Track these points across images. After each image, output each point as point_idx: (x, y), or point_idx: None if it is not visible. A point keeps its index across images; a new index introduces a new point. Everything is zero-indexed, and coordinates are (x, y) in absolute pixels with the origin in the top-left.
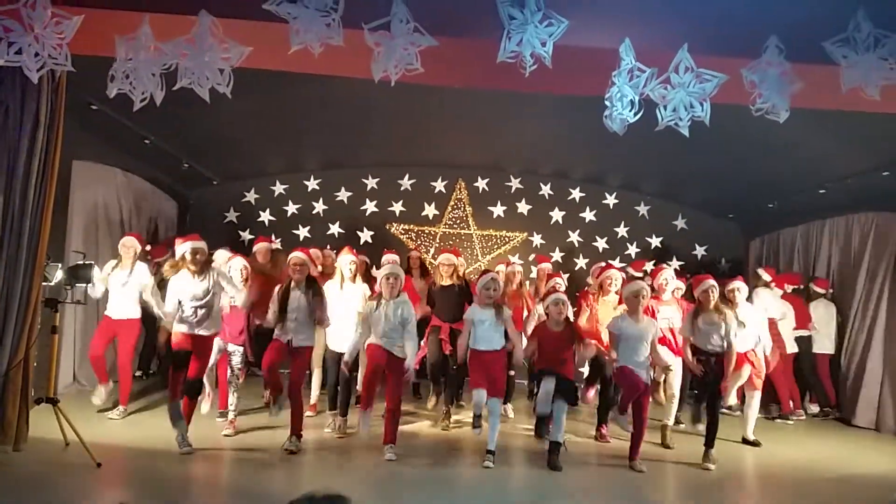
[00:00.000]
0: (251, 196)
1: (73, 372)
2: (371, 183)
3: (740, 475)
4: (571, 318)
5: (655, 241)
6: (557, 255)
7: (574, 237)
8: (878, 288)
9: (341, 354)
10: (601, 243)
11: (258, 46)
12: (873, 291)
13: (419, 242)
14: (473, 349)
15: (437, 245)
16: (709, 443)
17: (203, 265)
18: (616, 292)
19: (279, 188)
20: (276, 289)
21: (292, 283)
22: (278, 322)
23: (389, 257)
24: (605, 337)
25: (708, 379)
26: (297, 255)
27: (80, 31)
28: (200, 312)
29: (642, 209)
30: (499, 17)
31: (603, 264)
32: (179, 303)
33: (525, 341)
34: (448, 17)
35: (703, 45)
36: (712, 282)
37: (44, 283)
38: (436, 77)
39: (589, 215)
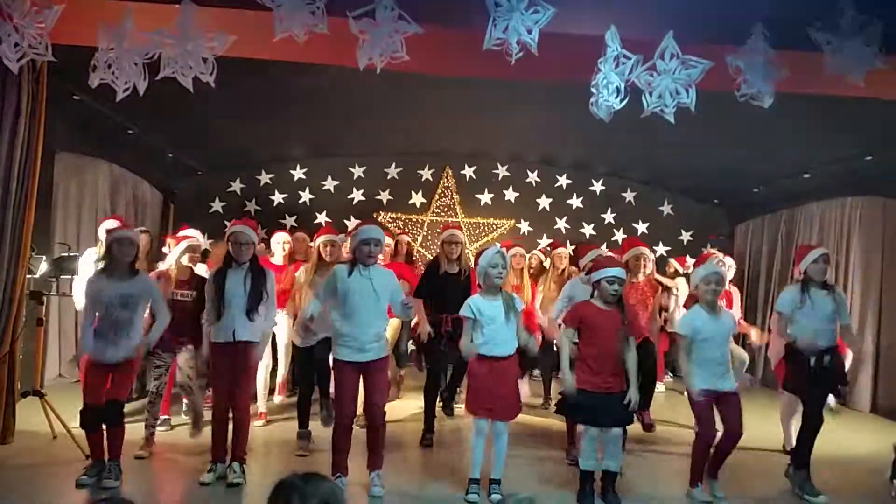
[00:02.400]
0: (237, 186)
1: (59, 365)
2: (358, 172)
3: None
4: None
5: (642, 227)
6: (545, 242)
7: (561, 224)
8: (869, 273)
9: (311, 349)
10: (588, 230)
11: (242, 35)
12: (866, 276)
13: (407, 231)
14: (477, 354)
15: (424, 233)
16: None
17: (130, 262)
18: (647, 276)
19: (265, 178)
20: (210, 271)
21: (232, 264)
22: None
23: None
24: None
25: (821, 379)
26: (239, 228)
27: (61, 21)
28: (119, 329)
29: (629, 195)
30: (484, 5)
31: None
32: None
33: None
34: (433, 5)
35: (688, 32)
36: (825, 251)
37: (28, 276)
38: (421, 65)
39: (576, 202)
